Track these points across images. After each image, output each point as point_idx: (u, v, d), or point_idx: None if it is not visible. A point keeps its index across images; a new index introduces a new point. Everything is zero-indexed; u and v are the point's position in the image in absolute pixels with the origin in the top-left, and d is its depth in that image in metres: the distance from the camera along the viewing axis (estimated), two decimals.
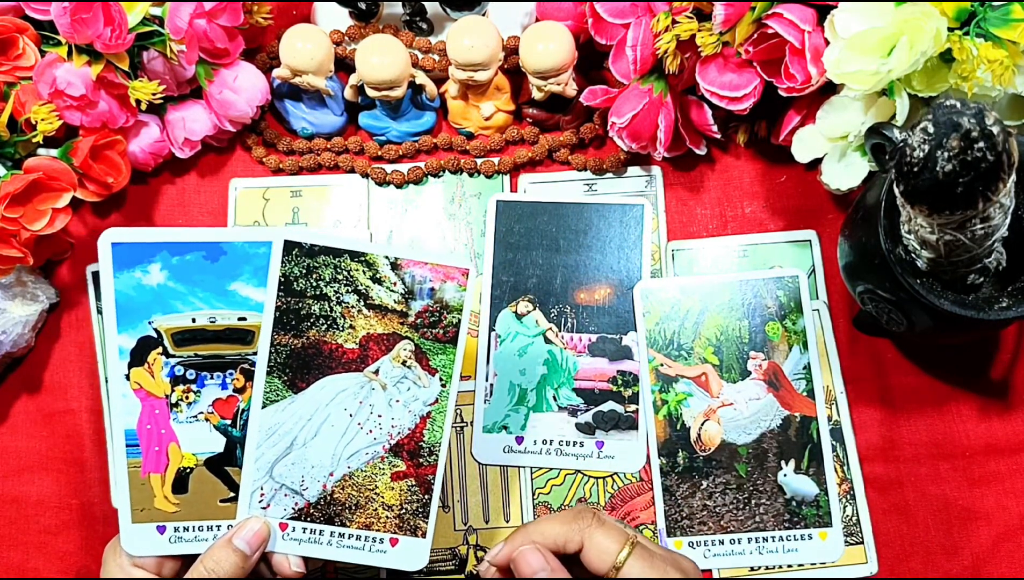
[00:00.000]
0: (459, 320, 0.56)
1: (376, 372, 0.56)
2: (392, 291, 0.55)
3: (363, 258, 0.55)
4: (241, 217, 0.71)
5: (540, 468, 0.66)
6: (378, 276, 0.55)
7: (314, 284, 0.55)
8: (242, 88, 0.68)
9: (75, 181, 0.64)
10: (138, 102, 0.63)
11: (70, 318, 0.69)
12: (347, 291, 0.55)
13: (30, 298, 0.67)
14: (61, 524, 0.66)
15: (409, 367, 0.56)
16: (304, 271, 0.55)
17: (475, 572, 0.64)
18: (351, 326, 0.55)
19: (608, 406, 0.66)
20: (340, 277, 0.55)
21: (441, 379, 0.56)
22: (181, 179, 0.73)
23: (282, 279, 0.55)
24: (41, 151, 0.65)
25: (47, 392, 0.68)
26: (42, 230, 0.63)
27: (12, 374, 0.69)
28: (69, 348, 0.69)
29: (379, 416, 0.55)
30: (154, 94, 0.63)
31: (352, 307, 0.55)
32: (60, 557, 0.65)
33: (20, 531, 0.66)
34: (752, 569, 0.63)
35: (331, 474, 0.55)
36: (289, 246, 0.55)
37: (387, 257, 0.55)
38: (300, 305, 0.55)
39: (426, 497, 0.55)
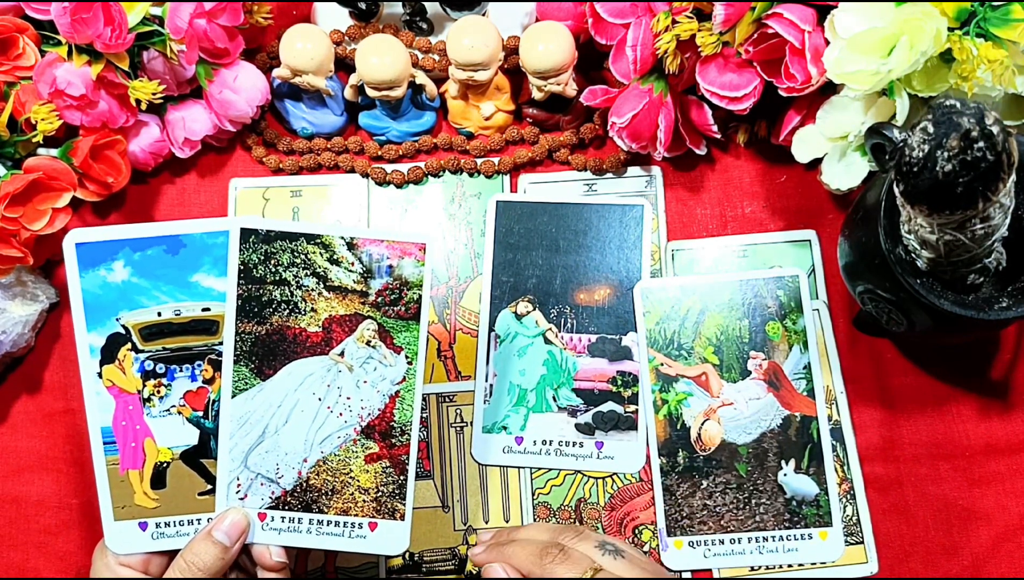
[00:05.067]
0: (420, 296, 0.56)
1: (341, 354, 0.56)
2: (350, 271, 0.56)
3: (319, 240, 0.55)
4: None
5: (540, 468, 0.66)
6: (335, 257, 0.56)
7: (273, 270, 0.55)
8: (242, 88, 0.68)
9: (75, 181, 0.64)
10: (138, 102, 0.63)
11: (70, 318, 0.69)
12: (306, 274, 0.55)
13: (30, 298, 0.67)
14: (61, 524, 0.66)
15: (374, 347, 0.56)
16: (262, 257, 0.55)
17: (474, 572, 0.64)
18: (313, 309, 0.56)
19: (608, 406, 0.66)
20: (298, 261, 0.55)
21: (407, 357, 0.56)
22: (181, 179, 0.73)
23: (241, 267, 0.55)
24: (41, 151, 0.65)
25: (47, 392, 0.68)
26: (42, 230, 0.63)
27: (12, 374, 0.68)
28: (69, 348, 0.69)
29: (348, 398, 0.56)
30: (154, 94, 0.63)
31: (312, 290, 0.55)
32: (60, 557, 0.65)
33: (20, 531, 0.66)
34: (752, 569, 0.63)
35: (305, 460, 0.55)
36: (246, 234, 0.55)
37: (343, 237, 0.56)
38: (261, 292, 0.55)
39: (401, 478, 0.55)
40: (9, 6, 0.65)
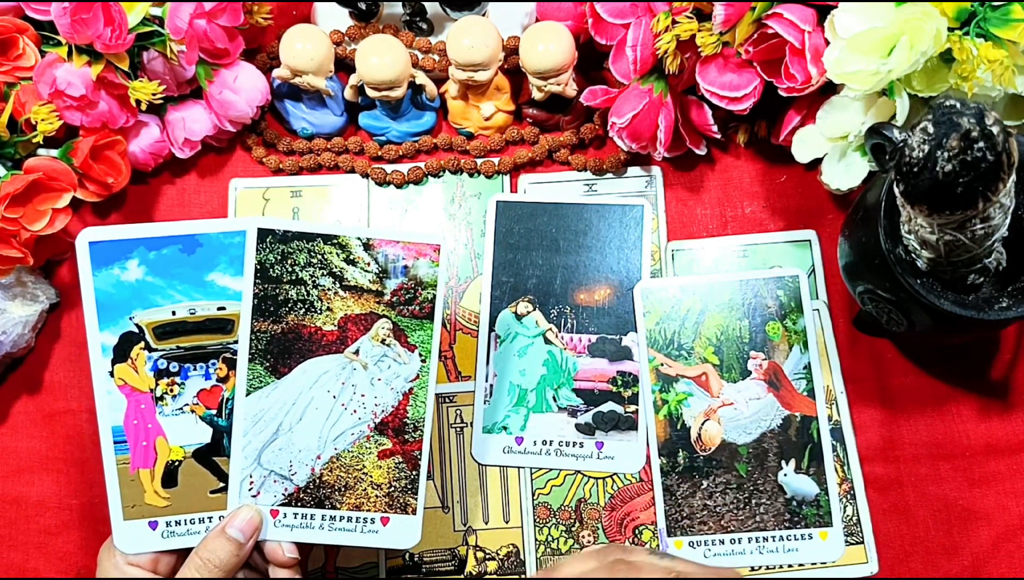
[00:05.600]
0: (434, 295, 0.57)
1: (356, 352, 0.56)
2: (366, 271, 0.56)
3: (336, 240, 0.56)
4: (241, 217, 0.71)
5: (540, 469, 0.66)
6: (352, 257, 0.56)
7: (289, 269, 0.56)
8: (242, 88, 0.68)
9: (75, 181, 0.64)
10: (138, 102, 0.63)
11: (70, 318, 0.70)
12: (322, 274, 0.56)
13: (30, 298, 0.67)
14: (61, 524, 0.66)
15: (388, 345, 0.56)
16: (279, 257, 0.55)
17: (474, 573, 0.64)
18: (328, 308, 0.56)
19: (608, 407, 0.66)
20: (315, 261, 0.56)
21: (421, 355, 0.56)
22: (181, 179, 0.73)
23: (258, 266, 0.55)
24: (41, 151, 0.65)
25: (47, 392, 0.68)
26: (42, 230, 0.63)
27: (12, 374, 0.69)
28: (69, 348, 0.69)
29: (362, 396, 0.56)
30: (154, 94, 0.63)
31: (328, 289, 0.56)
32: (60, 557, 0.65)
33: (20, 531, 0.66)
34: (752, 569, 0.63)
35: (318, 457, 0.55)
36: (263, 234, 0.55)
37: (359, 238, 0.56)
38: (277, 291, 0.56)
39: (414, 474, 0.56)
40: (9, 6, 0.65)
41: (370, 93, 0.69)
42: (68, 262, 0.71)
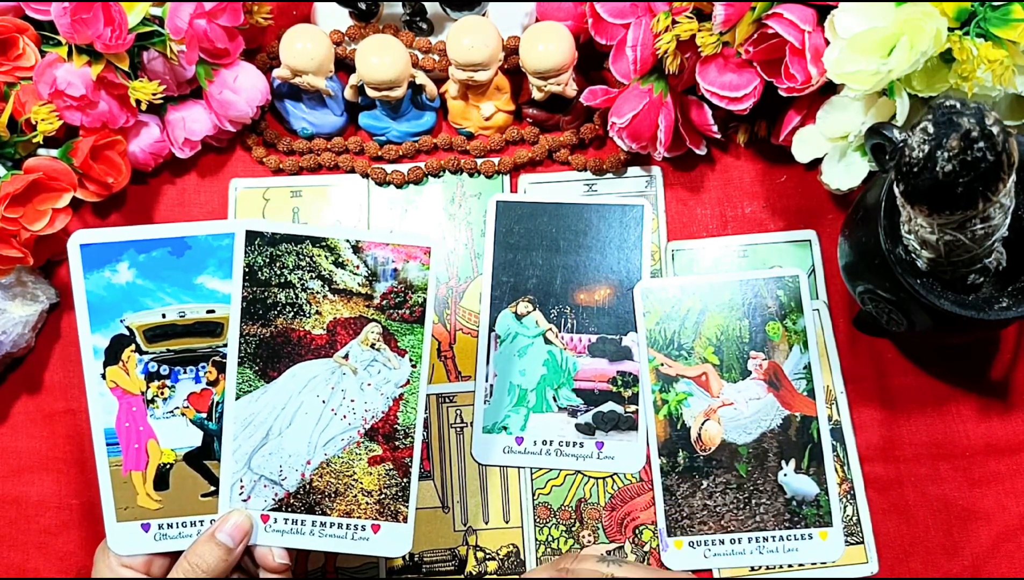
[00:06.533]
0: (424, 299, 0.56)
1: (346, 357, 0.56)
2: (355, 274, 0.56)
3: (324, 243, 0.56)
4: (241, 217, 0.71)
5: (540, 469, 0.66)
6: (341, 260, 0.56)
7: (278, 272, 0.55)
8: (242, 88, 0.68)
9: (75, 181, 0.64)
10: (138, 102, 0.63)
11: (70, 318, 0.70)
12: (311, 277, 0.56)
13: (30, 298, 0.67)
14: (61, 524, 0.66)
15: (378, 350, 0.56)
16: (267, 260, 0.55)
17: (474, 573, 0.64)
18: (318, 312, 0.56)
19: (608, 407, 0.66)
20: (303, 263, 0.55)
21: (411, 360, 0.56)
22: (181, 179, 0.73)
23: (246, 269, 0.55)
24: (41, 151, 0.65)
25: (47, 392, 0.68)
26: (42, 230, 0.63)
27: (12, 374, 0.69)
28: (69, 348, 0.69)
29: (352, 401, 0.56)
30: (154, 94, 0.63)
31: (317, 293, 0.56)
32: (60, 557, 0.65)
33: (20, 531, 0.66)
34: (752, 569, 0.63)
35: (308, 462, 0.55)
36: (251, 236, 0.55)
37: (348, 240, 0.56)
38: (266, 294, 0.55)
39: (404, 481, 0.55)
40: (9, 6, 0.65)
41: (370, 93, 0.69)
42: (68, 262, 0.70)
